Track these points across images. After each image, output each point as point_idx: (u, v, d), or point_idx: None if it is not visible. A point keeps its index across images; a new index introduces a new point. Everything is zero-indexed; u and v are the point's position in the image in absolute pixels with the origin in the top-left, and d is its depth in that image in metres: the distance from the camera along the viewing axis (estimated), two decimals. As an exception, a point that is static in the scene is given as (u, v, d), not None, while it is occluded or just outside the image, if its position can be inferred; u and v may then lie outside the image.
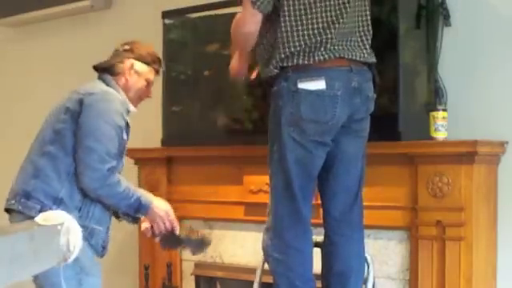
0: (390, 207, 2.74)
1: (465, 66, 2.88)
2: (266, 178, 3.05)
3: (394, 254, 2.80)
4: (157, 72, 2.71)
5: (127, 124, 2.53)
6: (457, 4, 2.88)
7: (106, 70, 2.62)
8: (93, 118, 2.41)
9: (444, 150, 2.68)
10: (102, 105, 2.44)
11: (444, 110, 2.73)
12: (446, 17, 2.86)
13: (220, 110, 3.35)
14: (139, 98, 2.68)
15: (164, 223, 2.52)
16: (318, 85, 2.28)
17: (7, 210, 2.47)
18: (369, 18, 2.42)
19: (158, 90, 3.50)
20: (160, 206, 2.52)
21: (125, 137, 2.51)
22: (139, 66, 2.63)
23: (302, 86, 2.29)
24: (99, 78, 2.62)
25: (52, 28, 4.47)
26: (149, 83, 2.67)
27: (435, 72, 2.85)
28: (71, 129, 2.43)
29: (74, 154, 2.40)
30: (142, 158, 3.50)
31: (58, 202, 2.35)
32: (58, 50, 4.47)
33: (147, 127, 3.72)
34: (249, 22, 2.36)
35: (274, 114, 2.38)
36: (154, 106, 3.60)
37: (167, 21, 3.49)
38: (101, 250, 2.48)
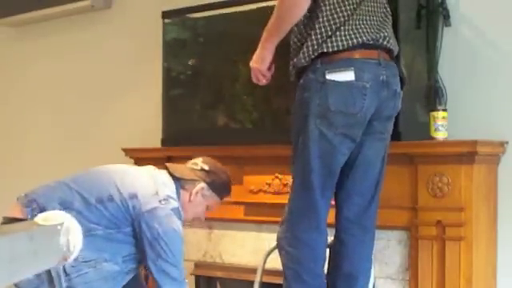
0: (389, 207, 2.73)
1: (465, 66, 2.88)
2: (266, 178, 3.07)
3: (394, 254, 2.80)
4: (224, 198, 2.70)
5: None
6: (457, 4, 2.88)
7: (176, 178, 2.58)
8: (171, 233, 2.42)
9: (444, 150, 2.68)
10: (176, 218, 2.44)
11: (444, 110, 2.73)
12: (446, 17, 2.86)
13: (220, 109, 3.35)
14: (193, 219, 2.68)
15: None
16: (347, 76, 2.25)
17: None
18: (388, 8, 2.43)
19: (158, 89, 3.51)
20: None
21: None
22: (208, 192, 2.62)
23: (330, 77, 2.26)
24: (174, 182, 2.57)
25: (52, 28, 4.48)
26: (208, 209, 2.67)
27: (435, 72, 2.85)
28: (122, 213, 2.43)
29: (105, 227, 2.40)
30: (142, 158, 3.49)
31: None
32: (58, 49, 4.47)
33: (147, 127, 3.73)
34: None
35: (299, 106, 2.34)
36: (154, 105, 3.61)
37: (167, 21, 3.49)
38: None
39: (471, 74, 2.87)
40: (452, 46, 2.87)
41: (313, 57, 2.29)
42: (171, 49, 3.50)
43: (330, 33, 2.28)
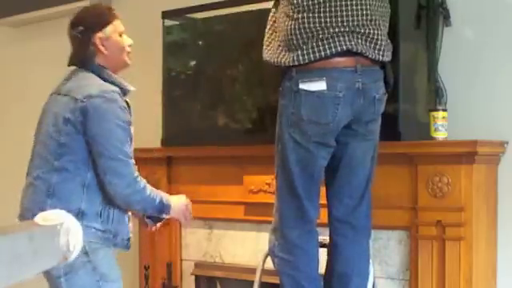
0: (389, 207, 2.74)
1: (465, 66, 2.88)
2: (266, 178, 3.07)
3: (394, 254, 2.80)
4: (116, 17, 2.54)
5: (128, 105, 2.46)
6: (457, 4, 2.88)
7: (85, 60, 2.52)
8: (104, 126, 2.34)
9: (444, 150, 2.68)
10: (106, 106, 2.35)
11: (444, 110, 2.73)
12: (446, 17, 2.86)
13: (220, 109, 3.35)
14: (126, 51, 2.55)
15: (187, 216, 2.55)
16: (319, 86, 2.24)
17: None
18: (387, 12, 2.39)
19: (158, 89, 3.51)
20: (179, 202, 2.52)
21: (131, 129, 2.46)
22: (103, 32, 2.47)
23: (303, 86, 2.26)
24: (86, 69, 2.51)
25: (52, 28, 4.47)
26: (121, 34, 2.53)
27: (435, 72, 2.85)
28: (78, 139, 2.36)
29: (87, 164, 2.35)
30: (142, 158, 3.49)
31: (80, 215, 2.28)
32: (58, 50, 4.45)
33: (147, 127, 3.73)
34: None
35: (278, 113, 2.36)
36: (153, 105, 3.60)
37: (167, 21, 3.48)
38: (126, 244, 2.43)
39: (471, 73, 2.87)
40: (452, 46, 2.87)
41: (287, 65, 2.29)
42: (171, 49, 3.50)
43: (306, 41, 2.24)
